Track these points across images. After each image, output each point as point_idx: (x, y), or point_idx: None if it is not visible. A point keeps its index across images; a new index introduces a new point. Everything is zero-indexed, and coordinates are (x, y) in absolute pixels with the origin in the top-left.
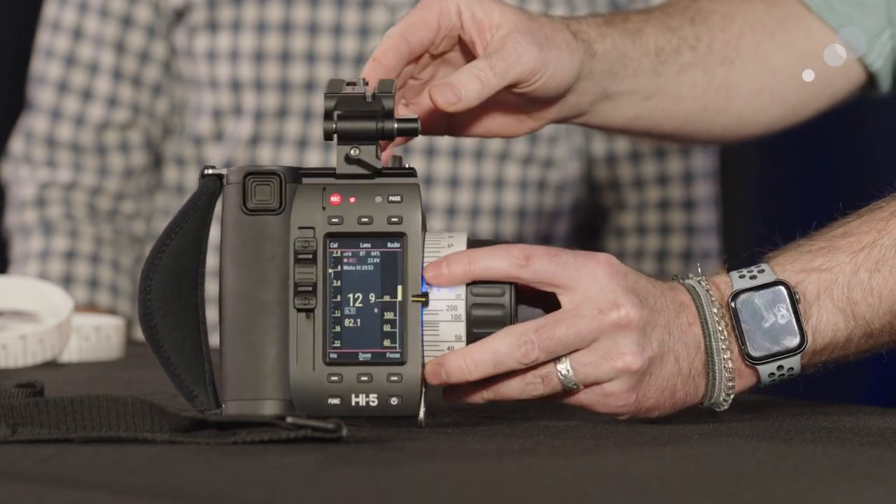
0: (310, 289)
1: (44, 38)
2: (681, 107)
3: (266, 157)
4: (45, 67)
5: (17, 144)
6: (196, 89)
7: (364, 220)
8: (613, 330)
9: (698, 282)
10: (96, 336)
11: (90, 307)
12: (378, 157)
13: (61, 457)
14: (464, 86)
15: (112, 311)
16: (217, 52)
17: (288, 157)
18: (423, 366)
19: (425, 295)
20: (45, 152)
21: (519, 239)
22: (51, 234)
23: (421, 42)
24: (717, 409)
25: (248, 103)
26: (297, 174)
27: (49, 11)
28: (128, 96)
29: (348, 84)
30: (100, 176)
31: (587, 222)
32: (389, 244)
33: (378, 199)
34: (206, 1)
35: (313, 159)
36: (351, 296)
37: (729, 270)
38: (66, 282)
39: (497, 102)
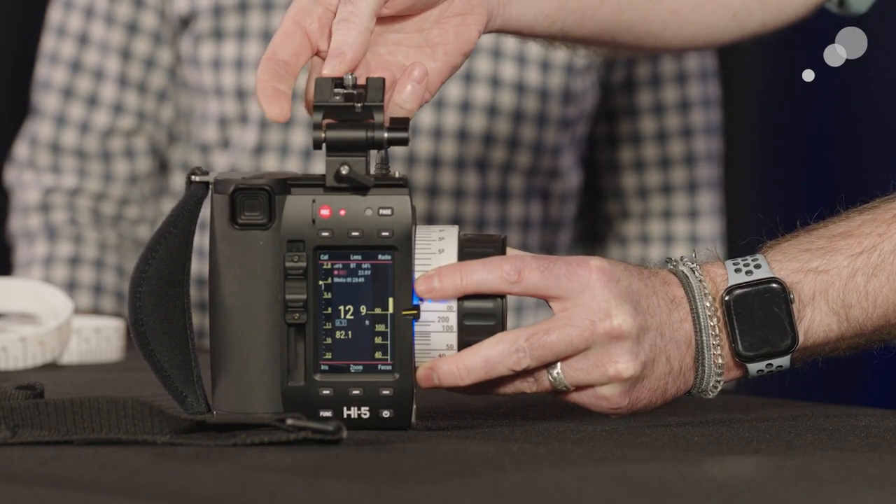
0: (301, 305)
1: (49, 43)
2: None
3: (271, 166)
4: (49, 73)
5: (21, 150)
6: (201, 97)
7: (354, 233)
8: (606, 339)
9: (692, 270)
10: (96, 338)
11: (94, 313)
12: (368, 170)
13: (61, 459)
14: (341, 41)
15: (116, 317)
16: (222, 61)
17: (293, 167)
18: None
19: (416, 308)
20: (49, 158)
21: (522, 247)
22: (55, 240)
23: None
24: (705, 397)
25: (253, 112)
26: (285, 185)
27: (54, 17)
28: (133, 103)
29: (336, 85)
30: (104, 182)
31: (591, 231)
32: (380, 256)
33: (368, 211)
34: (212, 9)
35: (318, 169)
36: (342, 308)
37: (725, 257)
38: (71, 287)
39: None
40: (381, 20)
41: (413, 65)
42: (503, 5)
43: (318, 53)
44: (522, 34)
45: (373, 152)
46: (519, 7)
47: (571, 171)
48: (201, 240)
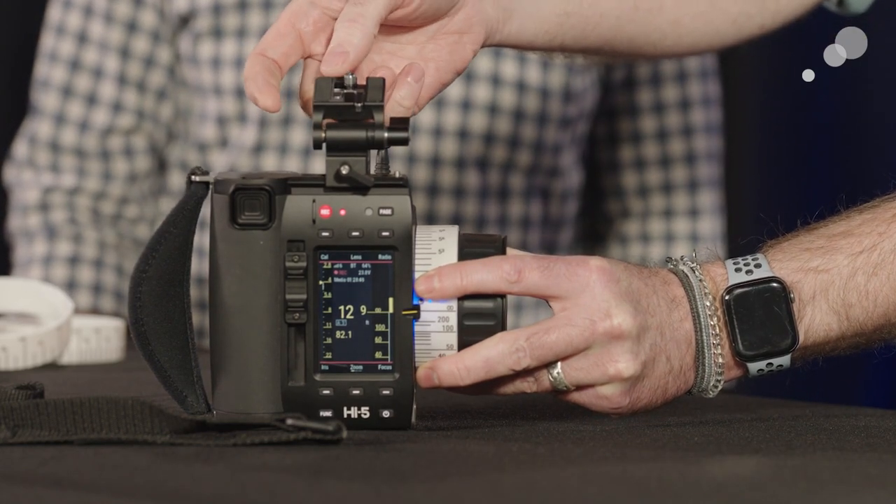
0: (301, 305)
1: (48, 42)
2: (610, 3)
3: (270, 165)
4: (49, 72)
5: (20, 148)
6: (200, 96)
7: (355, 233)
8: (606, 339)
9: (692, 269)
10: (96, 338)
11: (94, 312)
12: (368, 170)
13: (61, 459)
14: (345, 40)
15: (116, 317)
16: (222, 59)
17: (293, 166)
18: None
19: (417, 308)
20: (48, 157)
21: (522, 247)
22: (54, 239)
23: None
24: (705, 397)
25: (252, 111)
26: (285, 185)
27: (53, 15)
28: (132, 101)
29: (336, 84)
30: (104, 181)
31: (592, 230)
32: (380, 256)
33: (369, 211)
34: (211, 8)
35: (318, 168)
36: (342, 308)
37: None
38: (70, 287)
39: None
40: (381, 29)
41: (411, 64)
42: (502, 23)
43: (309, 56)
44: (521, 48)
45: (373, 152)
46: (519, 25)
47: (572, 169)
48: (201, 239)
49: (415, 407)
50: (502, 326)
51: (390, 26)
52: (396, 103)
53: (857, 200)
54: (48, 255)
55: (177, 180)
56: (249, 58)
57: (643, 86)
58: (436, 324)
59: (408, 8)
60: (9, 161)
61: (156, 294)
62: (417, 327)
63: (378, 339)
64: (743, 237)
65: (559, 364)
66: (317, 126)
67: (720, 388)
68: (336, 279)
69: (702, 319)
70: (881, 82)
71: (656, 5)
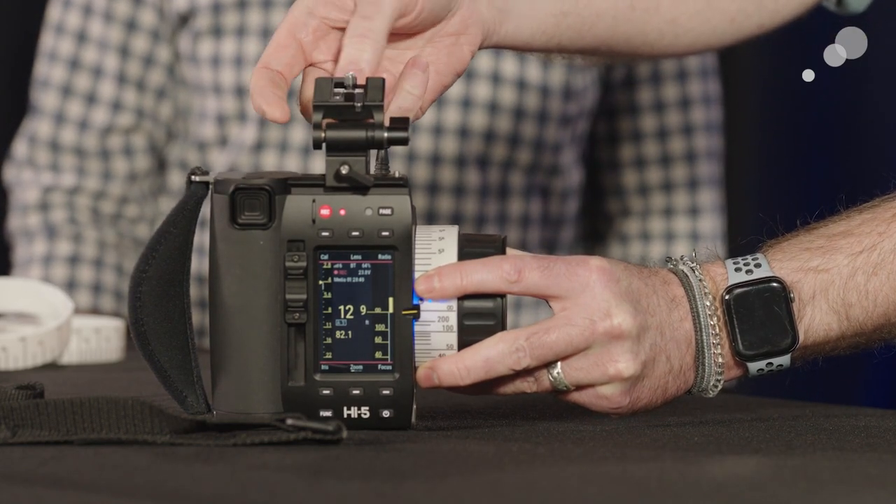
0: (301, 305)
1: (47, 41)
2: (606, 2)
3: (270, 163)
4: (48, 71)
5: (20, 148)
6: (200, 94)
7: (354, 233)
8: (606, 339)
9: (692, 269)
10: (96, 338)
11: (93, 312)
12: (368, 169)
13: (61, 459)
14: (356, 57)
15: (116, 316)
16: (221, 58)
17: (292, 164)
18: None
19: (416, 307)
20: (48, 156)
21: (522, 245)
22: (54, 239)
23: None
24: (705, 397)
25: (252, 109)
26: (285, 185)
27: (53, 14)
28: (132, 100)
29: (336, 84)
30: (103, 180)
31: (591, 229)
32: (380, 256)
33: (368, 211)
34: (211, 6)
35: (318, 166)
36: (342, 308)
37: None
38: (70, 286)
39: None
40: None
41: (414, 57)
42: (499, 24)
43: (311, 64)
44: (518, 49)
45: (373, 152)
46: (516, 25)
47: (572, 168)
48: (201, 238)
49: (415, 407)
50: (502, 326)
51: (391, 34)
52: (407, 92)
53: (857, 200)
54: (48, 254)
55: (177, 179)
56: (254, 72)
57: (643, 84)
58: (436, 324)
59: (409, 16)
60: (9, 161)
61: (156, 294)
62: (417, 327)
63: (378, 339)
64: (743, 237)
65: (559, 364)
66: (317, 126)
67: (720, 387)
68: (336, 279)
69: (702, 319)
70: (881, 82)
71: (653, 5)
